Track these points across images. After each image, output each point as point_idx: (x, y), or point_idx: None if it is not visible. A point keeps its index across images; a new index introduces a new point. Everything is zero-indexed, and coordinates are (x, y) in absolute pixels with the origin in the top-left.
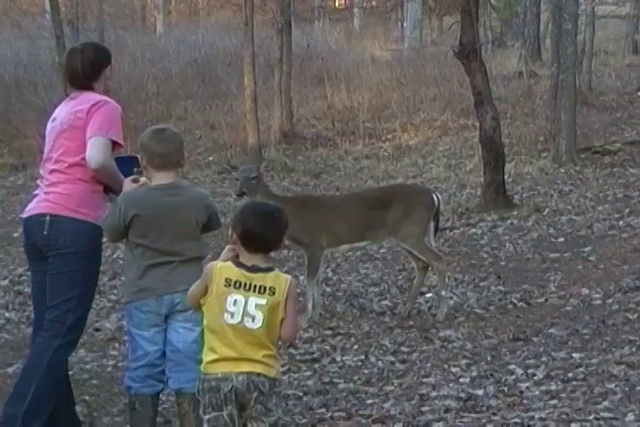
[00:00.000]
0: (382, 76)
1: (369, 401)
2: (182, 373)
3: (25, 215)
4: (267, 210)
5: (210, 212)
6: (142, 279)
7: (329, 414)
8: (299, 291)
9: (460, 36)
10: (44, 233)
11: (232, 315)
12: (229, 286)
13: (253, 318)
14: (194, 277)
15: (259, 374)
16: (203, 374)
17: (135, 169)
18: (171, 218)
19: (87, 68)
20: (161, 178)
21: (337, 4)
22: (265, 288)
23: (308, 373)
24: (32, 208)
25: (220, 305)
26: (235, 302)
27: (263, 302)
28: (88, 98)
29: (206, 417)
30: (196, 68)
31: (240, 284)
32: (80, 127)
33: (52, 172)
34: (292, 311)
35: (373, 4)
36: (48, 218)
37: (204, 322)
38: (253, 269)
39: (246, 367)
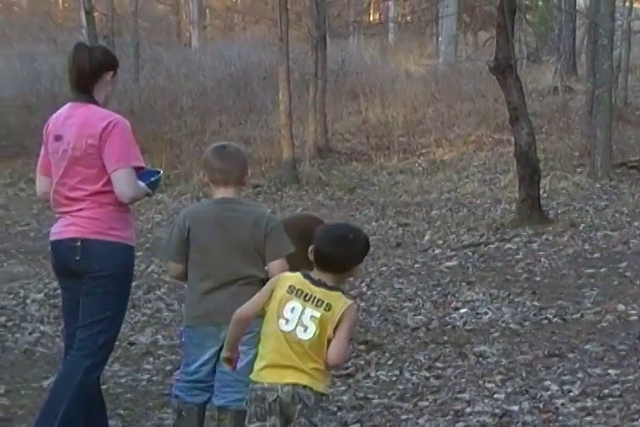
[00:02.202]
0: (417, 91)
1: (403, 417)
2: (229, 393)
3: (53, 239)
4: (339, 232)
5: (268, 231)
6: (200, 306)
7: None
8: (360, 318)
9: (495, 52)
10: (77, 258)
11: (287, 321)
12: (291, 292)
13: (306, 329)
14: None
15: (305, 387)
16: (252, 383)
17: (151, 179)
18: (223, 233)
19: (94, 65)
20: (220, 194)
21: (371, 19)
22: (322, 302)
23: (343, 388)
24: (60, 231)
25: (278, 310)
26: (292, 309)
27: (318, 314)
28: (96, 117)
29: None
30: (231, 82)
31: (301, 292)
32: (95, 154)
33: (72, 199)
34: (341, 335)
35: (408, 18)
36: (79, 243)
37: (262, 328)
38: (318, 284)
39: (293, 378)
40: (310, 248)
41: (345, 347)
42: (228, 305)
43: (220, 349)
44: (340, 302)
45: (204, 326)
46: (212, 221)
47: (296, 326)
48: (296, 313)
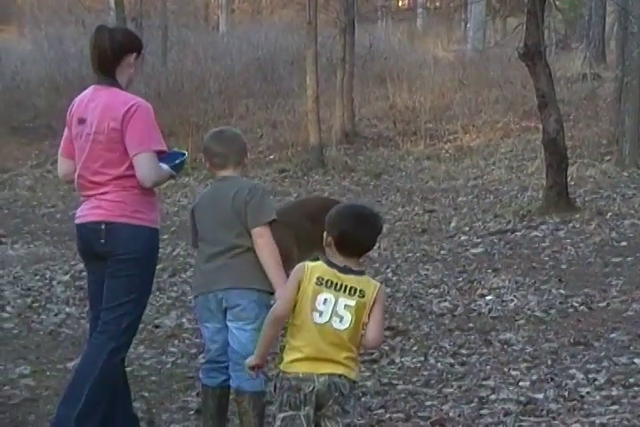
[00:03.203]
0: (445, 76)
1: (428, 403)
2: (241, 372)
3: (78, 221)
4: (363, 213)
5: (247, 199)
6: (195, 277)
7: (387, 416)
8: (385, 304)
9: (524, 38)
10: (102, 241)
11: (321, 314)
12: (321, 284)
13: (341, 319)
14: (236, 276)
15: (340, 376)
16: (282, 372)
17: (176, 162)
18: (211, 208)
19: (116, 48)
20: (221, 176)
21: (400, 4)
22: (355, 290)
23: (367, 373)
24: (85, 214)
25: (310, 304)
26: (325, 301)
27: (352, 303)
28: (118, 101)
29: (281, 415)
30: (259, 66)
31: (331, 283)
32: (117, 138)
33: (95, 183)
34: (377, 318)
35: (437, 4)
36: (104, 226)
37: (291, 320)
38: (345, 271)
39: (328, 368)
40: (325, 234)
41: (381, 329)
42: (211, 277)
43: (225, 328)
44: (370, 285)
45: (198, 297)
46: (205, 199)
47: (330, 316)
48: (329, 305)
